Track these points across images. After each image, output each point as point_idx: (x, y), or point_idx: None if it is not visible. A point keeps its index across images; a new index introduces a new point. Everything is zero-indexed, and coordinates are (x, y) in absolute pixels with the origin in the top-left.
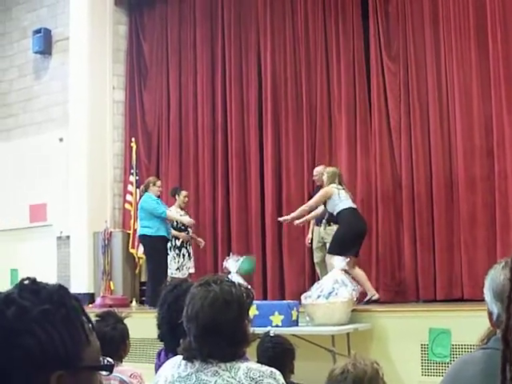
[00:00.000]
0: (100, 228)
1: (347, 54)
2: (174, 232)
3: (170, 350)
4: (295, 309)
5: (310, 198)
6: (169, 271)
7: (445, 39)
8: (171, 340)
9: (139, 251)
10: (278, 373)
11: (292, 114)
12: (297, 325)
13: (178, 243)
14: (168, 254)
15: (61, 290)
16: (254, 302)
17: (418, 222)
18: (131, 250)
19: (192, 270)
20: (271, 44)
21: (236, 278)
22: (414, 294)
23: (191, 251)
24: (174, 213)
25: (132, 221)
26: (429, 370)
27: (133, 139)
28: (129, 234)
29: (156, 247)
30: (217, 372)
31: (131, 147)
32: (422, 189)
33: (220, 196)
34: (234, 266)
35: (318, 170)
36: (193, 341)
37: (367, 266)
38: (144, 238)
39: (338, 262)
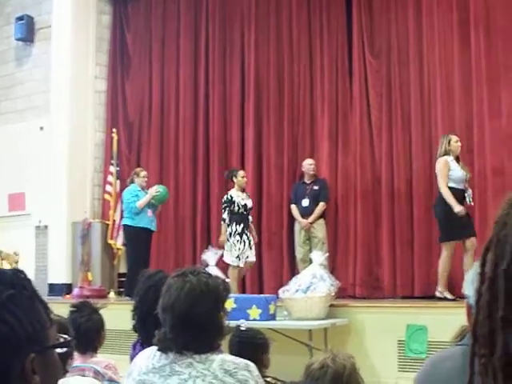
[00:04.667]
0: (79, 218)
1: (330, 50)
2: (223, 225)
3: (144, 341)
4: (273, 303)
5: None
6: (228, 258)
7: (428, 37)
8: (144, 331)
9: (118, 242)
10: (252, 365)
11: (274, 109)
12: (274, 319)
13: (239, 229)
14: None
15: (18, 273)
16: (232, 295)
17: (397, 218)
18: (110, 241)
19: (253, 259)
20: (255, 38)
21: (214, 272)
22: (392, 290)
23: (252, 239)
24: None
25: (111, 212)
26: (405, 365)
27: (114, 130)
28: (108, 224)
29: (137, 238)
30: (191, 363)
31: (112, 137)
32: (402, 185)
33: (200, 188)
34: (212, 258)
35: (312, 161)
36: (168, 331)
37: (345, 261)
38: (125, 228)
39: (317, 257)
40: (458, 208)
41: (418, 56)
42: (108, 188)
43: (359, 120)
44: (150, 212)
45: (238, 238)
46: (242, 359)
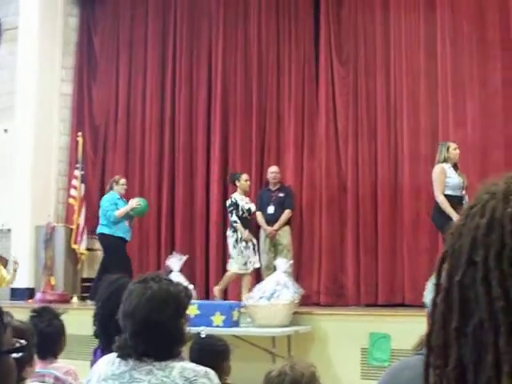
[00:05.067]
0: (43, 222)
1: (298, 58)
2: (237, 226)
3: (105, 347)
4: (237, 309)
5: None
6: (234, 266)
7: (395, 46)
8: (105, 337)
9: (82, 247)
10: (212, 373)
11: (240, 115)
12: (238, 326)
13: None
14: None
15: None
16: (196, 301)
17: (362, 226)
18: (74, 246)
19: (257, 265)
20: (223, 44)
21: (177, 278)
22: (356, 298)
23: (256, 244)
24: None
25: (75, 216)
26: (368, 373)
27: (79, 133)
28: (72, 229)
29: (113, 247)
30: (151, 371)
31: (77, 141)
32: (367, 193)
33: (165, 194)
34: (176, 264)
35: (275, 169)
36: (128, 338)
37: (309, 269)
38: (101, 237)
39: (281, 264)
40: (456, 217)
41: (384, 64)
42: (72, 192)
43: (325, 127)
44: (126, 222)
45: (244, 243)
46: (202, 367)
